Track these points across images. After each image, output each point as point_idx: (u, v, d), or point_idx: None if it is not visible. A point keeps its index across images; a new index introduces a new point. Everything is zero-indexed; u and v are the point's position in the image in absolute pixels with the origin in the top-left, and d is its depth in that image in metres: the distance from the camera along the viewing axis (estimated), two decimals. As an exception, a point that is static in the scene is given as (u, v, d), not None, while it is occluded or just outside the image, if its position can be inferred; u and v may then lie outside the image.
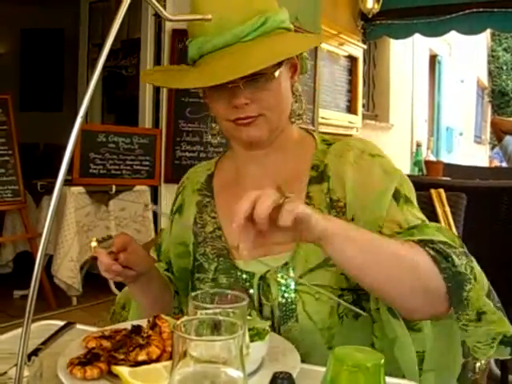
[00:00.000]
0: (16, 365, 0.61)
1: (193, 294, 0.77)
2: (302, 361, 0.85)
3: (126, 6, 0.67)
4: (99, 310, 3.62)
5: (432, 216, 1.36)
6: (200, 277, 1.09)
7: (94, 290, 3.82)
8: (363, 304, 0.97)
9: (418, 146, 3.73)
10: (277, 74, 0.96)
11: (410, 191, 1.00)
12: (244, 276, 1.03)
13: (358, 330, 0.94)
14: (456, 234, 1.35)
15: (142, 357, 0.81)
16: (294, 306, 0.98)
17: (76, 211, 3.69)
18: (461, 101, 10.39)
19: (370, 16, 5.47)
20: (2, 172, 3.68)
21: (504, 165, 4.52)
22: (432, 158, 3.90)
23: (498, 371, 1.87)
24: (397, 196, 0.97)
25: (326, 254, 0.85)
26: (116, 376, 0.79)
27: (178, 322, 0.55)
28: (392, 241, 0.88)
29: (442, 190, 1.41)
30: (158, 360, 0.81)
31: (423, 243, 0.87)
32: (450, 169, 3.45)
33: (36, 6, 6.12)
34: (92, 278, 3.93)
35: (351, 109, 5.57)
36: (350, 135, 5.32)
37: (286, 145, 1.07)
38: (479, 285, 0.87)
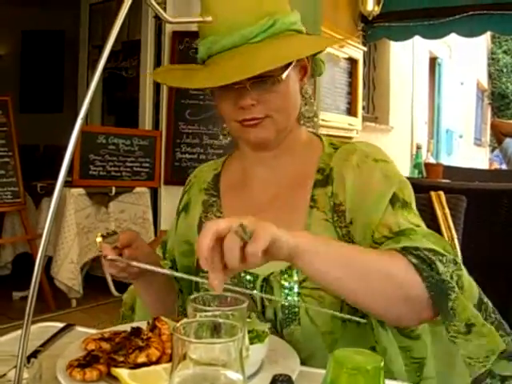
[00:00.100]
0: (15, 367, 0.61)
1: (192, 296, 0.77)
2: (303, 364, 0.85)
3: (127, 7, 0.67)
4: (99, 312, 3.62)
5: (432, 218, 1.36)
6: (204, 276, 1.09)
7: (94, 291, 3.82)
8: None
9: (418, 148, 3.74)
10: (284, 76, 0.96)
11: (409, 197, 0.99)
12: (248, 277, 1.03)
13: (361, 336, 0.94)
14: (455, 236, 1.36)
15: (141, 359, 0.80)
16: (296, 309, 0.98)
17: (76, 213, 3.69)
18: (461, 103, 10.39)
19: (370, 18, 5.47)
20: (1, 173, 3.68)
21: (504, 167, 4.52)
22: (432, 160, 3.90)
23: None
24: (394, 200, 0.96)
25: (299, 270, 0.84)
26: (115, 378, 0.78)
27: (178, 325, 0.55)
28: (369, 252, 0.88)
29: (441, 193, 1.41)
30: (157, 362, 0.81)
31: (407, 251, 0.85)
32: (450, 171, 3.46)
33: (36, 8, 6.14)
34: (92, 280, 3.93)
35: (351, 111, 5.57)
36: (350, 137, 5.32)
37: (294, 147, 1.07)
38: (466, 294, 0.85)
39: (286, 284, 0.99)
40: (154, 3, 0.71)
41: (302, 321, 0.98)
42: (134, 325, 0.93)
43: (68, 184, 3.68)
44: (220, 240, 0.73)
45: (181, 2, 3.90)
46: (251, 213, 1.06)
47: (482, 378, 0.95)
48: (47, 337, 0.98)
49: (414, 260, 0.83)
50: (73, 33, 5.53)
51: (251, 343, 0.80)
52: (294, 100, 1.02)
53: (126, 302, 1.18)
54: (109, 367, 0.80)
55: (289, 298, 0.98)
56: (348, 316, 0.89)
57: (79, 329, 1.05)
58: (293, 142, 1.07)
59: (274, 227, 0.76)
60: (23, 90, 6.65)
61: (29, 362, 0.64)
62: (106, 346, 0.86)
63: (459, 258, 1.23)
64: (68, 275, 3.61)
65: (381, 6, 5.42)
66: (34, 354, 0.88)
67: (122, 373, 0.78)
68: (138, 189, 4.08)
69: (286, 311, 0.99)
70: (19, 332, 0.65)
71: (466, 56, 10.08)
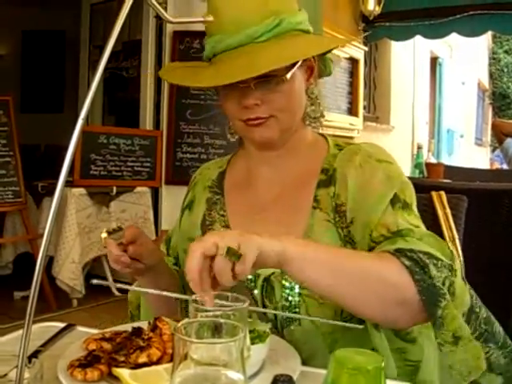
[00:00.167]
0: (16, 367, 0.61)
1: (193, 296, 0.77)
2: (304, 364, 0.84)
3: (128, 7, 0.67)
4: (100, 312, 3.62)
5: (433, 218, 1.36)
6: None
7: (95, 291, 3.81)
8: None
9: (419, 148, 3.73)
10: (289, 76, 0.95)
11: (410, 198, 0.98)
12: (249, 276, 1.03)
13: (362, 336, 0.93)
14: (456, 236, 1.35)
15: (142, 359, 0.80)
16: (297, 310, 0.98)
17: (77, 213, 3.69)
18: (462, 103, 10.39)
19: (371, 18, 5.47)
20: (3, 173, 3.68)
21: (505, 167, 4.52)
22: (433, 160, 3.90)
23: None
24: (395, 201, 0.96)
25: (289, 276, 0.84)
26: (116, 378, 0.78)
27: (179, 325, 0.55)
28: (360, 255, 0.88)
29: (442, 193, 1.41)
30: (158, 362, 0.81)
31: (402, 253, 0.85)
32: (451, 171, 3.45)
33: (37, 8, 6.14)
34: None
35: (352, 111, 5.57)
36: (351, 137, 5.32)
37: (299, 147, 1.07)
38: (458, 301, 0.84)
39: (287, 284, 0.99)
40: (154, 3, 0.71)
41: (303, 321, 0.98)
42: (135, 325, 0.93)
43: (69, 184, 3.68)
44: (207, 258, 0.74)
45: (182, 1, 3.90)
46: (254, 212, 1.06)
47: None
48: (48, 337, 0.98)
49: (407, 262, 0.83)
50: (73, 33, 5.54)
51: (252, 343, 0.80)
52: (299, 100, 1.02)
53: (131, 301, 1.18)
54: (110, 367, 0.80)
55: (289, 298, 0.98)
56: (341, 323, 0.89)
57: (80, 329, 1.05)
58: (298, 142, 1.07)
59: (258, 238, 0.77)
60: (24, 89, 6.65)
61: (30, 361, 0.64)
62: (107, 346, 0.86)
63: (460, 259, 1.22)
64: (69, 275, 3.61)
65: (381, 5, 5.41)
66: (35, 354, 0.88)
67: (123, 373, 0.78)
68: (138, 188, 4.08)
69: (287, 311, 0.99)
70: (20, 332, 0.65)
71: (467, 56, 10.07)
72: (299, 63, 0.97)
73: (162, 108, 4.22)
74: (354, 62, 5.55)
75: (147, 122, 4.40)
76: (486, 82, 12.31)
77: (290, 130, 1.03)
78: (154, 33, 4.40)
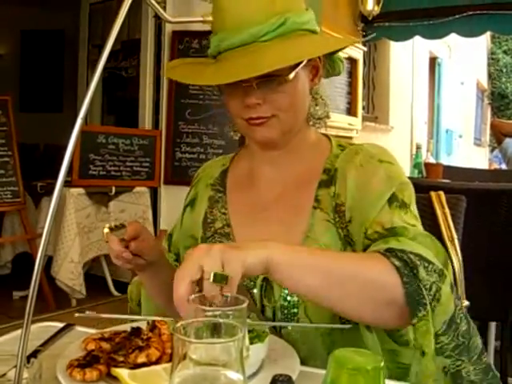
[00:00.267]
0: (15, 366, 0.61)
1: (192, 296, 0.77)
2: (302, 364, 0.84)
3: (127, 7, 0.67)
4: (98, 312, 3.61)
5: (432, 218, 1.36)
6: None
7: (94, 291, 3.82)
8: None
9: (418, 148, 3.73)
10: (291, 76, 0.95)
11: (409, 198, 0.98)
12: None
13: (359, 339, 0.92)
14: (455, 236, 1.35)
15: (141, 359, 0.80)
16: (295, 310, 0.98)
17: (76, 212, 3.69)
18: (460, 103, 10.39)
19: (370, 18, 5.47)
20: (1, 173, 3.68)
21: (503, 167, 4.52)
22: (432, 160, 3.89)
23: (497, 374, 1.87)
24: (392, 200, 0.95)
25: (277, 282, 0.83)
26: (115, 378, 0.78)
27: (178, 325, 0.55)
28: (348, 257, 0.87)
29: (441, 193, 1.41)
30: (157, 362, 0.81)
31: (392, 253, 0.84)
32: (450, 171, 3.45)
33: (36, 7, 6.13)
34: (92, 280, 3.93)
35: (351, 111, 5.57)
36: (350, 137, 5.32)
37: (301, 147, 1.07)
38: (441, 308, 0.82)
39: None
40: (153, 3, 0.71)
41: (301, 321, 0.98)
42: (134, 325, 0.93)
43: (68, 184, 3.68)
44: (194, 283, 0.74)
45: (181, 1, 3.90)
46: (256, 211, 1.06)
47: None
48: (47, 336, 0.98)
49: (397, 263, 0.82)
50: (72, 32, 5.53)
51: (251, 343, 0.80)
52: (302, 100, 1.01)
53: (132, 298, 1.18)
54: (109, 367, 0.80)
55: (288, 297, 0.98)
56: (330, 325, 0.88)
57: (79, 328, 1.06)
58: (300, 142, 1.06)
59: (241, 252, 0.75)
60: (23, 89, 6.65)
61: (29, 361, 0.64)
62: (105, 345, 0.86)
63: (459, 258, 1.22)
64: (68, 275, 3.61)
65: (380, 5, 5.41)
66: (34, 354, 0.88)
67: (122, 373, 0.78)
68: (137, 188, 4.08)
69: (285, 311, 0.99)
70: (19, 332, 0.65)
71: (465, 56, 10.08)
72: (303, 63, 0.97)
73: (161, 108, 4.22)
74: (352, 62, 5.55)
75: (146, 121, 4.40)
76: (484, 82, 12.32)
77: (293, 130, 1.03)
78: (153, 32, 4.39)
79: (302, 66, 0.96)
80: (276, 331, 0.99)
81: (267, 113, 0.97)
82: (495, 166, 5.84)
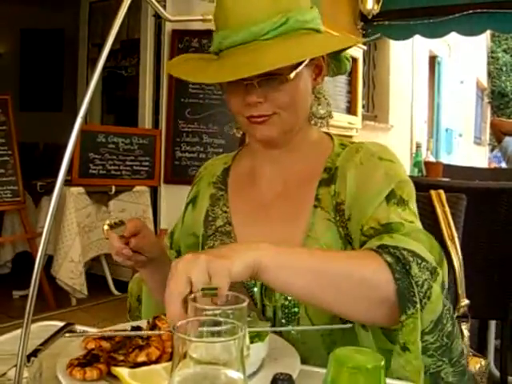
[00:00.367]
0: (15, 366, 0.61)
1: (192, 295, 0.77)
2: (303, 363, 0.84)
3: (127, 6, 0.67)
4: (99, 311, 3.62)
5: (432, 217, 1.36)
6: None
7: (94, 290, 3.82)
8: None
9: (418, 147, 3.72)
10: (292, 75, 0.95)
11: (408, 195, 0.97)
12: None
13: (360, 339, 0.92)
14: (455, 235, 1.35)
15: (141, 358, 0.80)
16: (296, 309, 0.98)
17: (76, 212, 3.69)
18: (460, 102, 10.39)
19: (369, 17, 5.46)
20: (1, 172, 3.68)
21: (503, 166, 4.52)
22: (432, 159, 3.89)
23: (497, 372, 1.87)
24: (390, 197, 0.95)
25: (266, 284, 0.83)
26: (115, 377, 0.78)
27: (179, 324, 0.55)
28: (340, 257, 0.86)
29: (441, 191, 1.41)
30: (157, 361, 0.81)
31: (385, 249, 0.83)
32: (450, 170, 3.45)
33: (36, 6, 6.13)
34: (92, 279, 3.93)
35: (351, 110, 5.57)
36: (350, 136, 5.32)
37: (302, 146, 1.07)
38: (431, 306, 0.81)
39: None
40: (153, 1, 0.71)
41: (301, 321, 0.98)
42: (134, 324, 0.93)
43: (67, 183, 3.67)
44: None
45: (180, 0, 3.90)
46: (257, 210, 1.06)
47: None
48: (47, 336, 0.98)
49: (390, 259, 0.81)
50: (72, 31, 5.53)
51: (252, 342, 0.80)
52: (304, 99, 1.01)
53: (132, 293, 1.19)
54: (109, 366, 0.80)
55: (289, 296, 0.98)
56: (331, 326, 0.88)
57: (79, 328, 1.05)
58: (302, 140, 1.06)
59: (228, 261, 0.74)
60: (23, 88, 6.65)
61: (29, 360, 0.64)
62: (106, 344, 0.86)
63: (459, 257, 1.21)
64: (68, 274, 3.61)
65: (380, 4, 5.41)
66: (34, 353, 0.88)
67: (122, 372, 0.78)
68: (137, 187, 4.08)
69: (286, 310, 0.99)
70: (19, 331, 0.65)
71: (465, 55, 10.08)
72: (305, 63, 0.96)
73: (160, 107, 4.22)
74: (352, 60, 5.52)
75: (146, 120, 4.40)
76: (484, 81, 12.32)
77: (294, 129, 1.03)
78: (152, 31, 4.39)
79: (304, 65, 0.96)
80: (276, 331, 0.98)
81: (268, 111, 0.97)
82: (494, 165, 5.84)
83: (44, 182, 3.90)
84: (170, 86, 4.09)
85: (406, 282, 0.79)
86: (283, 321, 0.99)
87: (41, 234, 0.66)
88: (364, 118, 5.92)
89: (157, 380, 0.77)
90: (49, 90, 6.74)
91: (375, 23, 5.55)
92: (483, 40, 11.32)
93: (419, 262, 0.82)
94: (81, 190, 3.78)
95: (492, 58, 12.37)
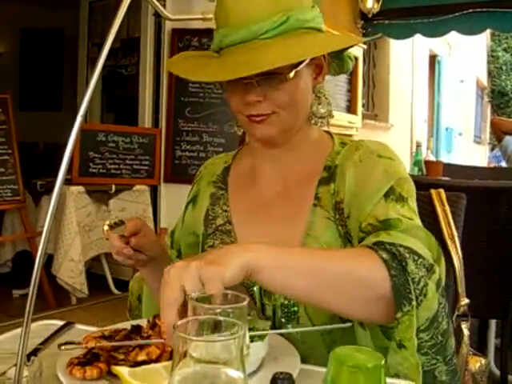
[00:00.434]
0: (15, 365, 0.61)
1: (192, 294, 0.77)
2: (303, 362, 0.84)
3: (127, 5, 0.67)
4: (99, 310, 3.62)
5: (432, 216, 1.36)
6: None
7: (94, 289, 3.82)
8: None
9: (418, 146, 3.72)
10: (292, 74, 0.94)
11: (407, 192, 0.97)
12: None
13: (358, 338, 0.91)
14: (455, 234, 1.35)
15: (141, 357, 0.80)
16: (295, 308, 0.98)
17: (76, 211, 3.69)
18: (460, 101, 10.39)
19: (369, 16, 5.46)
20: (1, 171, 3.68)
21: (503, 165, 4.52)
22: (432, 158, 3.89)
23: (497, 371, 1.87)
24: (389, 194, 0.94)
25: (261, 285, 0.82)
26: (116, 376, 0.78)
27: (179, 323, 0.55)
28: (336, 256, 0.85)
29: (441, 190, 1.41)
30: (157, 360, 0.81)
31: (381, 246, 0.82)
32: (450, 169, 3.45)
33: (36, 6, 6.13)
34: (92, 278, 3.93)
35: (351, 109, 5.57)
36: (350, 135, 5.31)
37: (302, 145, 1.06)
38: (427, 303, 0.81)
39: None
40: (153, 0, 0.71)
41: (301, 320, 0.98)
42: (134, 322, 0.93)
43: (67, 182, 3.67)
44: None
45: (180, -1, 3.89)
46: (257, 209, 1.06)
47: None
48: (47, 335, 0.98)
49: (385, 256, 0.80)
50: (72, 31, 5.53)
51: (252, 341, 0.80)
52: (304, 99, 1.01)
53: (132, 292, 1.19)
54: (109, 365, 0.80)
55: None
56: (331, 326, 0.88)
57: (79, 327, 1.05)
58: (301, 140, 1.06)
59: (219, 267, 0.73)
60: (23, 87, 6.65)
61: (29, 359, 0.64)
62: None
63: (459, 256, 1.21)
64: (69, 273, 3.61)
65: (380, 3, 5.40)
66: (34, 352, 0.88)
67: (123, 371, 0.78)
68: (137, 186, 4.08)
69: (285, 309, 0.99)
70: (19, 330, 0.65)
71: (465, 54, 10.07)
72: (306, 62, 0.96)
73: (160, 106, 4.22)
74: (352, 59, 5.55)
75: (146, 119, 4.40)
76: (484, 80, 12.32)
77: (293, 128, 1.03)
78: (152, 30, 4.39)
79: (304, 64, 0.96)
80: (276, 329, 0.98)
81: (267, 110, 0.97)
82: (493, 165, 5.84)
83: (44, 181, 3.90)
84: (170, 85, 4.09)
85: (402, 278, 0.79)
86: (283, 319, 0.99)
87: (41, 233, 0.66)
88: (364, 116, 5.91)
89: (157, 379, 0.76)
90: (49, 90, 6.74)
91: (375, 22, 5.55)
92: (483, 39, 11.31)
93: (416, 258, 0.81)
94: (81, 188, 3.78)
95: (492, 56, 12.36)
